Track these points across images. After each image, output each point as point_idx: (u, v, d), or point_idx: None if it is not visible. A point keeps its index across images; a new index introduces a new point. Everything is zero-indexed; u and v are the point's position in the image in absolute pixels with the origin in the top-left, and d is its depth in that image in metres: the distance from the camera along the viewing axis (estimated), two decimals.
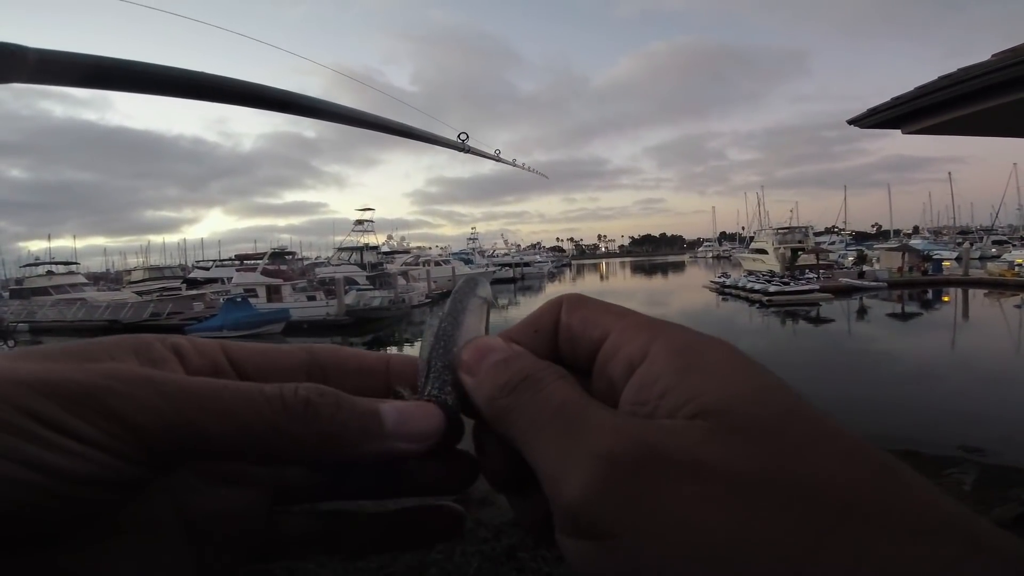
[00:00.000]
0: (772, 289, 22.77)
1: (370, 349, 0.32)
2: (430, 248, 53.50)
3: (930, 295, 24.18)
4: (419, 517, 0.29)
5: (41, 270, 32.50)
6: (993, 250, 38.32)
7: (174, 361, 0.26)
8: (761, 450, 0.19)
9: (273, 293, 23.35)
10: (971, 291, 24.21)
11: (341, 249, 33.58)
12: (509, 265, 48.30)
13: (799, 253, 32.11)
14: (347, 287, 23.49)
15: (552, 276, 53.02)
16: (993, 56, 3.65)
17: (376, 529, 0.29)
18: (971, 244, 40.82)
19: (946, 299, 22.99)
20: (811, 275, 27.25)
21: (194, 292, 26.72)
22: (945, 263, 29.75)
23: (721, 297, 26.53)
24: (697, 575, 0.17)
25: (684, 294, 32.29)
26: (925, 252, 32.04)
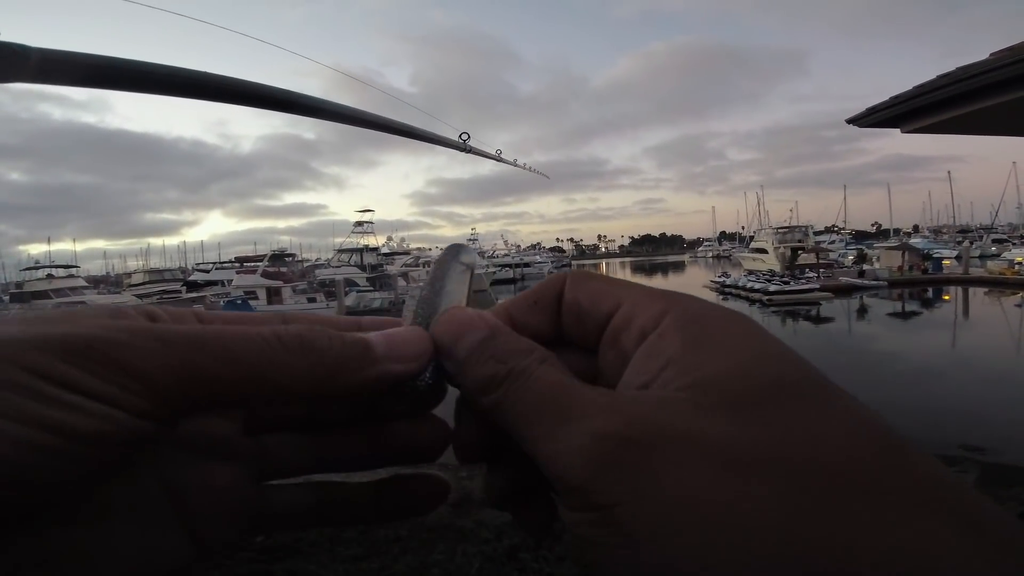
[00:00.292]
0: (772, 288, 22.77)
1: None
2: (430, 249, 53.49)
3: (930, 294, 24.16)
4: (406, 485, 0.29)
5: (41, 273, 32.39)
6: (993, 248, 38.35)
7: None
8: (753, 423, 0.19)
9: (273, 295, 23.34)
10: (971, 290, 24.17)
11: (341, 251, 33.59)
12: (509, 266, 48.16)
13: (799, 252, 32.10)
14: (347, 289, 23.45)
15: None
16: (992, 55, 3.65)
17: (364, 497, 0.29)
18: (971, 243, 40.89)
19: (946, 298, 22.97)
20: (811, 274, 27.25)
21: (194, 295, 26.58)
22: (945, 262, 29.85)
23: (721, 297, 26.39)
24: (694, 543, 0.17)
25: None
26: (925, 251, 32.10)
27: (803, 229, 39.76)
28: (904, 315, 20.05)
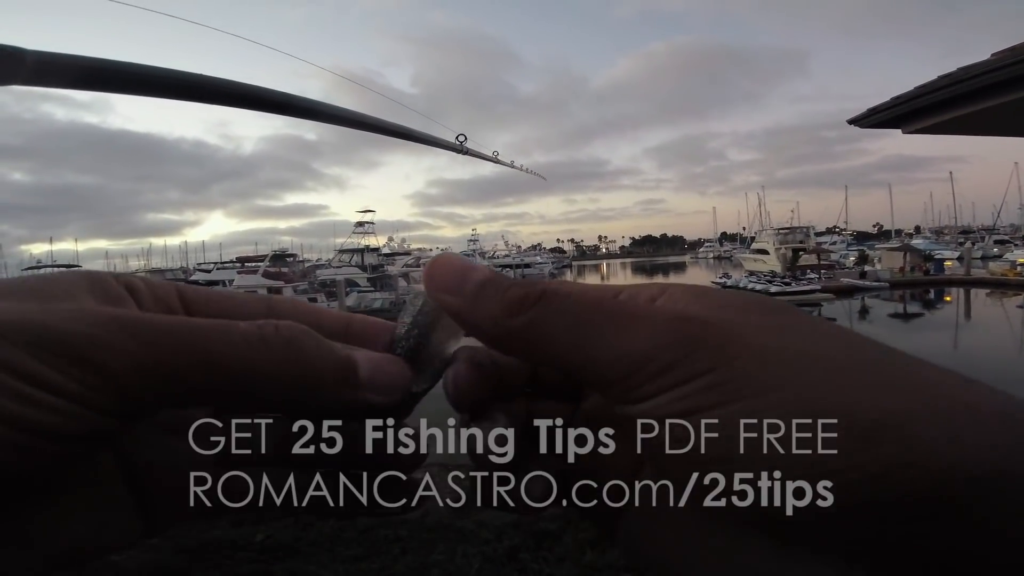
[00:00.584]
0: (773, 290, 22.71)
1: None
2: (431, 249, 53.56)
3: (932, 295, 24.17)
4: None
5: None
6: (995, 250, 38.17)
7: (128, 300, 0.24)
8: (775, 316, 0.22)
9: (274, 295, 23.40)
10: (973, 291, 24.16)
11: (342, 251, 33.73)
12: (510, 266, 48.20)
13: (800, 253, 32.02)
14: (348, 289, 23.54)
15: (553, 277, 52.41)
16: (993, 55, 3.65)
17: (332, 484, 0.26)
18: (973, 244, 40.79)
19: (948, 299, 22.96)
20: (812, 275, 27.28)
21: None
22: (947, 263, 29.74)
23: None
24: (817, 377, 0.19)
25: None
26: (927, 252, 31.98)
27: (804, 230, 39.70)
28: (906, 316, 20.03)
